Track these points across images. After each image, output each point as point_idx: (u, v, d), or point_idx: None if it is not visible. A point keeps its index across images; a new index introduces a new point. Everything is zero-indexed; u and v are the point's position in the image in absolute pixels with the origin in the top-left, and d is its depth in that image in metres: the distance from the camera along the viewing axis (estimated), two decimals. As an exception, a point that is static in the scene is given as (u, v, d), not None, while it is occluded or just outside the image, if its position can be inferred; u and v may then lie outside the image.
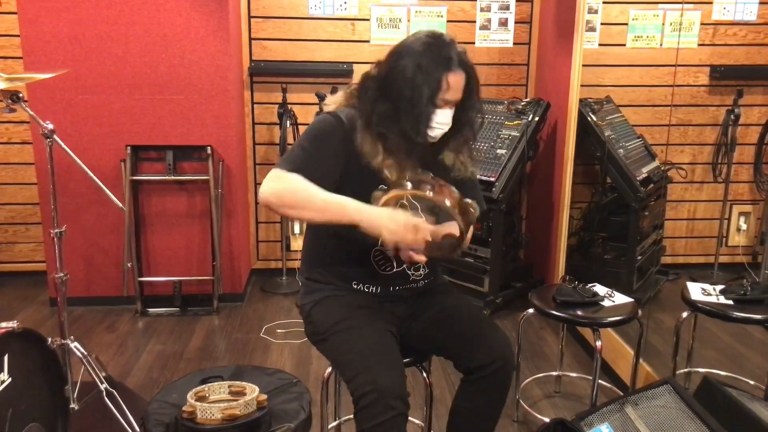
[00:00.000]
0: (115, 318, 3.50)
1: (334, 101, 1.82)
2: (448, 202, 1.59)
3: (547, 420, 2.38)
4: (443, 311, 1.86)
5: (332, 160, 1.71)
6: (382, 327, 1.75)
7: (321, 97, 3.66)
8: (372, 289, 1.85)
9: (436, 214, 1.70)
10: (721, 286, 2.40)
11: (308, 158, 1.68)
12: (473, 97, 1.76)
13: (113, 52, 3.36)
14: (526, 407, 2.60)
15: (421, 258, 1.65)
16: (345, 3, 3.85)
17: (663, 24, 3.39)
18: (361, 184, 1.70)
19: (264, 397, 1.94)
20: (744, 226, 3.47)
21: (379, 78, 1.73)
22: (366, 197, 1.65)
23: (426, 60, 1.66)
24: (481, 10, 3.95)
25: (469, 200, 1.61)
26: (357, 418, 1.57)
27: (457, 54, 1.68)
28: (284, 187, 1.63)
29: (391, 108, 1.69)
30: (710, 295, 2.36)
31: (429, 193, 1.59)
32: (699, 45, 3.34)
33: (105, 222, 3.53)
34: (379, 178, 1.72)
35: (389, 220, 1.57)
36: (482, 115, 1.85)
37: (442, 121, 1.72)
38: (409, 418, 2.52)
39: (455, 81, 1.68)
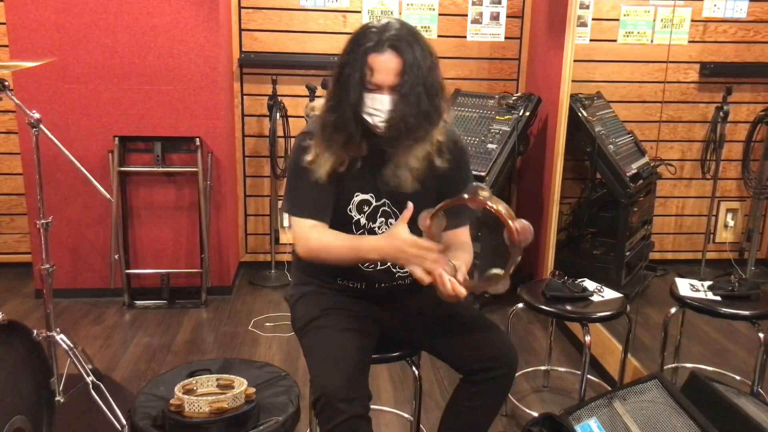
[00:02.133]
0: (102, 310, 3.47)
1: (317, 107, 1.80)
2: (502, 209, 1.54)
3: (535, 414, 2.39)
4: (443, 314, 1.82)
5: (322, 179, 1.71)
6: (353, 327, 1.73)
7: (311, 90, 3.64)
8: (357, 285, 1.84)
9: (492, 227, 1.67)
10: (709, 282, 2.41)
11: (307, 191, 1.73)
12: (420, 77, 1.63)
13: (101, 42, 3.32)
14: (515, 401, 2.61)
15: (461, 291, 1.57)
16: (336, -5, 3.83)
17: (654, 20, 3.40)
18: (353, 183, 1.74)
19: (252, 390, 1.94)
20: (731, 223, 3.49)
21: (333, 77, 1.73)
22: (353, 194, 1.72)
23: (355, 45, 1.65)
24: (473, 3, 3.94)
25: (522, 221, 1.54)
26: (317, 423, 1.58)
27: (390, 37, 1.62)
28: (313, 249, 1.73)
29: (336, 100, 1.68)
30: (698, 291, 2.38)
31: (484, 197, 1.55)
32: (689, 42, 3.35)
33: (91, 213, 3.50)
34: (368, 175, 1.73)
35: (393, 250, 1.60)
36: (434, 89, 1.67)
37: (377, 106, 1.64)
38: (398, 412, 2.54)
39: (381, 62, 1.62)
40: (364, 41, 1.63)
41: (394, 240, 1.59)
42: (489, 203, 1.55)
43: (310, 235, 1.72)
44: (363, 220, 1.78)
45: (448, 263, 1.59)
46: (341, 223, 1.76)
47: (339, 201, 1.75)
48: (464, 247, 1.79)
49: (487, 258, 1.76)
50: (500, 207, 1.55)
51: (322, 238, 1.71)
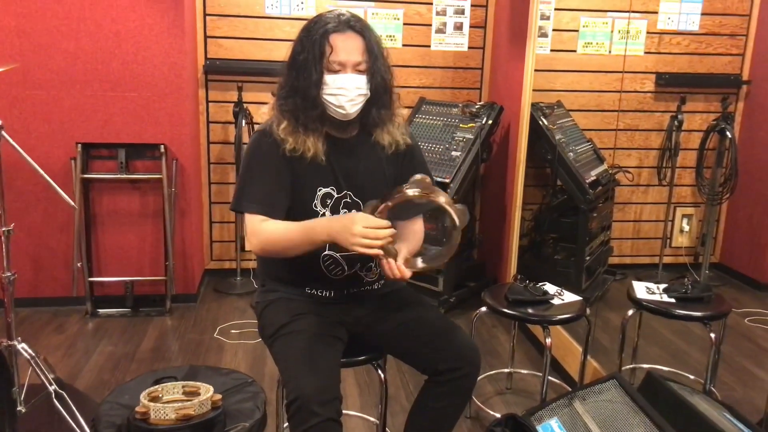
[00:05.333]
0: (64, 319, 3.42)
1: (265, 112, 1.85)
2: (442, 199, 1.63)
3: (498, 416, 2.44)
4: (409, 317, 1.86)
5: (277, 174, 1.75)
6: (324, 332, 1.75)
7: (277, 97, 3.64)
8: (325, 293, 1.86)
9: (435, 217, 1.76)
10: (665, 285, 2.49)
11: (260, 188, 1.75)
12: (380, 61, 1.74)
13: (64, 48, 3.28)
14: (479, 403, 2.66)
15: (406, 273, 1.65)
16: (302, 3, 3.86)
17: (612, 31, 3.50)
18: (315, 178, 1.77)
19: (219, 396, 1.93)
20: (686, 228, 3.59)
21: (284, 68, 1.80)
22: (316, 188, 1.76)
23: (312, 29, 1.72)
24: (437, 13, 4.00)
25: (460, 205, 1.64)
26: (289, 426, 1.59)
27: (349, 19, 1.71)
28: (265, 241, 1.72)
29: (291, 88, 1.75)
30: (654, 293, 2.45)
31: (416, 193, 1.63)
32: (645, 53, 3.45)
33: (53, 221, 3.45)
34: (328, 168, 1.77)
35: (340, 228, 1.61)
36: (390, 77, 1.80)
37: (342, 85, 1.70)
38: (364, 416, 2.56)
39: (343, 41, 1.69)
40: (322, 24, 1.70)
41: (344, 219, 1.64)
42: (431, 197, 1.64)
43: (262, 228, 1.73)
44: (327, 213, 1.80)
45: (392, 248, 1.67)
46: (308, 218, 1.77)
47: (303, 197, 1.77)
48: (413, 236, 1.83)
49: (427, 240, 1.85)
50: (440, 198, 1.64)
51: (276, 229, 1.72)
